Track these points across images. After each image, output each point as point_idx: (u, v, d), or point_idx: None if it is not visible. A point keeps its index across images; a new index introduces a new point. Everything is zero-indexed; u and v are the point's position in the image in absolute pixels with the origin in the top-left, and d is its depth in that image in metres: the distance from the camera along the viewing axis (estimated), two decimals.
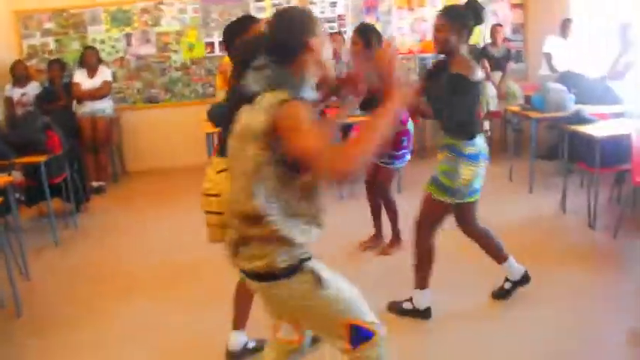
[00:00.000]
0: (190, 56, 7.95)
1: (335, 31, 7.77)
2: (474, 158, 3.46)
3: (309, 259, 2.13)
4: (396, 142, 4.58)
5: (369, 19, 8.24)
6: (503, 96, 7.64)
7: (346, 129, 6.52)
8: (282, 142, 1.96)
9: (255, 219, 2.05)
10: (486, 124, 7.87)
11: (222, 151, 2.95)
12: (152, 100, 8.00)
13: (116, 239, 5.56)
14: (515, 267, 3.81)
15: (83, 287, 4.54)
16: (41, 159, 5.27)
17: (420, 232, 3.64)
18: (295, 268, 2.09)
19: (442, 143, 3.55)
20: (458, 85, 3.30)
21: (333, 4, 8.14)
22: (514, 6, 8.62)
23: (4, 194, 4.47)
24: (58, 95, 7.26)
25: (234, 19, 3.91)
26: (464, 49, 3.41)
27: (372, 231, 5.03)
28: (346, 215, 5.51)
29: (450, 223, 3.72)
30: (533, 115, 6.06)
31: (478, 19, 3.41)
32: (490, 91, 7.60)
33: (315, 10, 8.06)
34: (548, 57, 7.48)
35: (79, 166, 6.33)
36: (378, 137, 1.91)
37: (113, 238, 5.58)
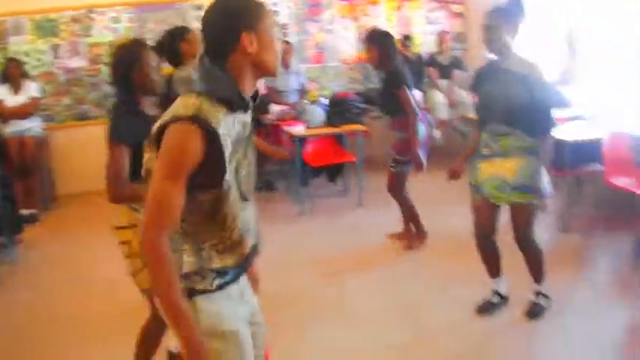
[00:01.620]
0: None
1: (282, 39, 7.43)
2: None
3: (203, 292, 1.78)
4: (398, 146, 4.73)
5: (312, 29, 8.01)
6: (452, 104, 7.56)
7: (302, 141, 6.27)
8: None
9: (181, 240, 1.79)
10: (437, 133, 7.76)
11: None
12: (83, 117, 7.37)
13: (63, 274, 4.93)
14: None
15: (34, 332, 3.94)
16: None
17: (529, 241, 3.60)
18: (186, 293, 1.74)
19: (516, 146, 3.46)
20: (537, 84, 3.38)
21: (276, 13, 7.81)
22: (454, 15, 8.59)
23: None
24: None
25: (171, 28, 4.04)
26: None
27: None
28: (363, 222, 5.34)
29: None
30: None
31: (524, 15, 3.46)
32: (439, 99, 7.50)
33: None
34: None
35: (9, 192, 5.69)
36: (156, 283, 1.64)
37: (59, 274, 4.95)
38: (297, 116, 6.53)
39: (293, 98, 7.12)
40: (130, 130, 2.65)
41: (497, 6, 3.53)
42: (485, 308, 3.84)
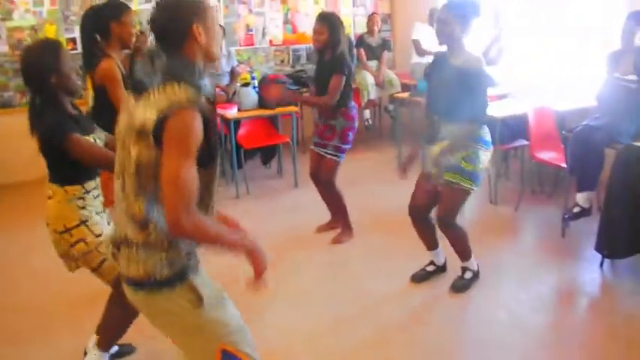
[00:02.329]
0: None
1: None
2: (488, 145, 3.65)
3: (193, 269, 2.00)
4: (342, 136, 4.59)
5: (242, 11, 7.98)
6: (381, 84, 7.70)
7: (236, 124, 6.26)
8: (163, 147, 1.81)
9: (140, 222, 1.90)
10: (366, 113, 7.91)
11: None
12: (6, 105, 7.06)
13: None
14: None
15: None
16: None
17: (449, 224, 3.70)
18: (176, 279, 1.94)
19: (457, 133, 3.58)
20: (474, 76, 3.46)
21: None
22: None
23: None
24: None
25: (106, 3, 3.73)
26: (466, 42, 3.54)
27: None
28: (301, 202, 5.21)
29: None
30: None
31: (478, 12, 3.53)
32: (369, 79, 7.62)
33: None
34: (416, 43, 7.63)
35: None
36: (213, 242, 1.89)
37: None
38: (230, 99, 6.50)
39: (224, 81, 7.08)
40: (70, 121, 2.66)
41: (453, 1, 3.62)
42: (420, 277, 4.02)
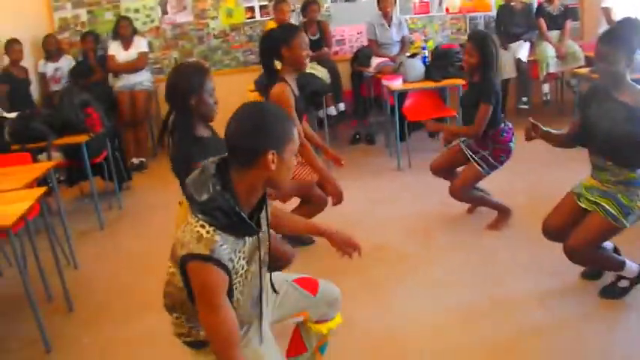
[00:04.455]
0: (229, 22, 7.49)
1: None
2: None
3: None
4: (494, 154, 4.35)
5: None
6: (563, 57, 7.13)
7: (401, 95, 6.18)
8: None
9: (167, 308, 2.07)
10: (545, 87, 7.39)
11: None
12: None
13: (165, 220, 5.11)
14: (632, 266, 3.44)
15: (135, 277, 4.21)
16: (82, 139, 4.94)
17: (582, 258, 3.36)
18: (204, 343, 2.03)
19: (613, 180, 3.23)
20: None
21: None
22: None
23: (47, 180, 4.20)
24: (93, 69, 6.93)
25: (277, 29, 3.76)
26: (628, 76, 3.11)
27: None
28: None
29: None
30: None
31: None
32: (549, 51, 7.10)
33: None
34: (607, 12, 6.93)
35: (119, 142, 6.05)
36: None
37: (162, 220, 5.10)
38: (396, 69, 6.41)
39: (394, 51, 7.00)
40: (195, 151, 2.69)
41: (612, 29, 3.24)
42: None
